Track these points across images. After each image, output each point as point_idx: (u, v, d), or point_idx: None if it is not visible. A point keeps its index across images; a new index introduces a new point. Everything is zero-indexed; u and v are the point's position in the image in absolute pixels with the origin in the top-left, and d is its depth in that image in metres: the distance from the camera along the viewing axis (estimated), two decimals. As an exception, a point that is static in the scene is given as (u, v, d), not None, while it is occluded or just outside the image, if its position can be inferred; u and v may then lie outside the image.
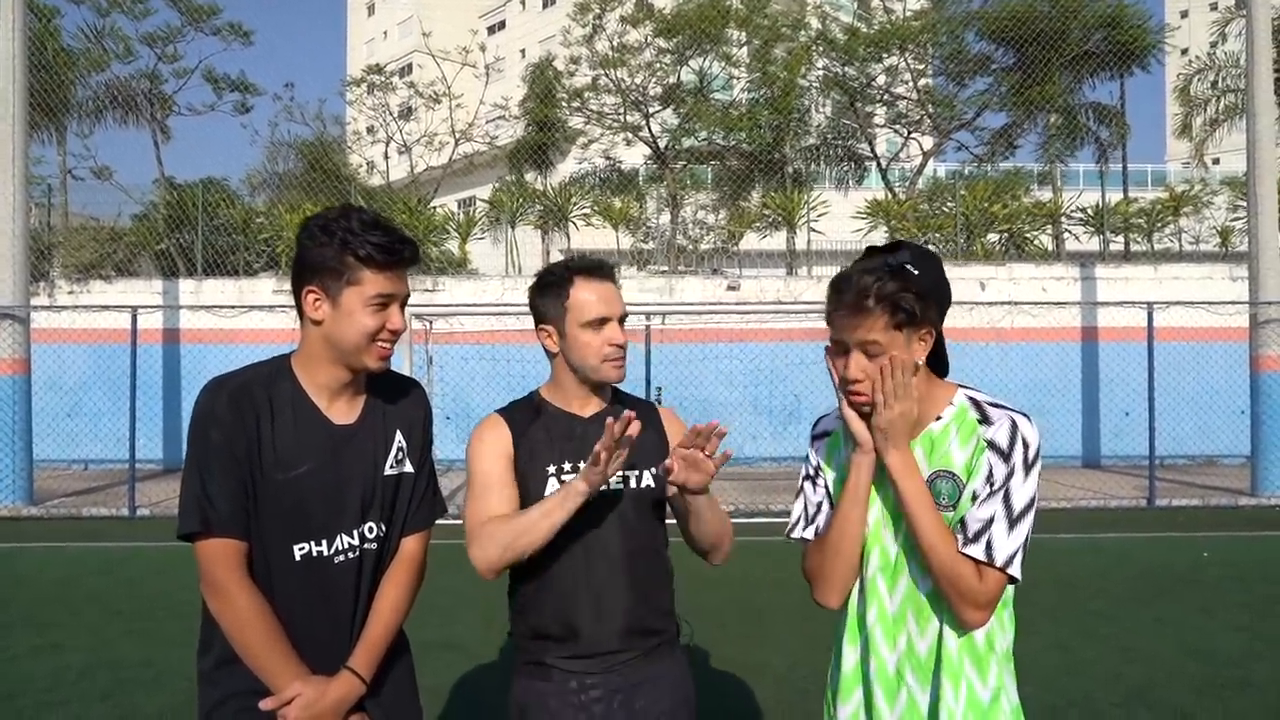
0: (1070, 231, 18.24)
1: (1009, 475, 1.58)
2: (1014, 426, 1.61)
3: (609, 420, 1.71)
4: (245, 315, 13.90)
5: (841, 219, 17.36)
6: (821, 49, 19.80)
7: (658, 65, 19.94)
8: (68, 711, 4.20)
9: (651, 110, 20.13)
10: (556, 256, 16.74)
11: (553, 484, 1.92)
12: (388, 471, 1.83)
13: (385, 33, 53.40)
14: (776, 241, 18.24)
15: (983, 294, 14.49)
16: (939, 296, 1.64)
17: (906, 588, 1.65)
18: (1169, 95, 25.19)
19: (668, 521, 2.01)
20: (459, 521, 1.96)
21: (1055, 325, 14.19)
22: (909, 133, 21.23)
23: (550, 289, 1.98)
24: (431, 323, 12.30)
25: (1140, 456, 12.23)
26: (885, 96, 20.65)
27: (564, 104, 20.75)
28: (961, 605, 1.57)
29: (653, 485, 1.98)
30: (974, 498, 1.60)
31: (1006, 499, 1.58)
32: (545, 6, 44.64)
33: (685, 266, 17.47)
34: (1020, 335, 14.39)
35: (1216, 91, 20.60)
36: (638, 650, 1.93)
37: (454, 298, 14.70)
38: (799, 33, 20.01)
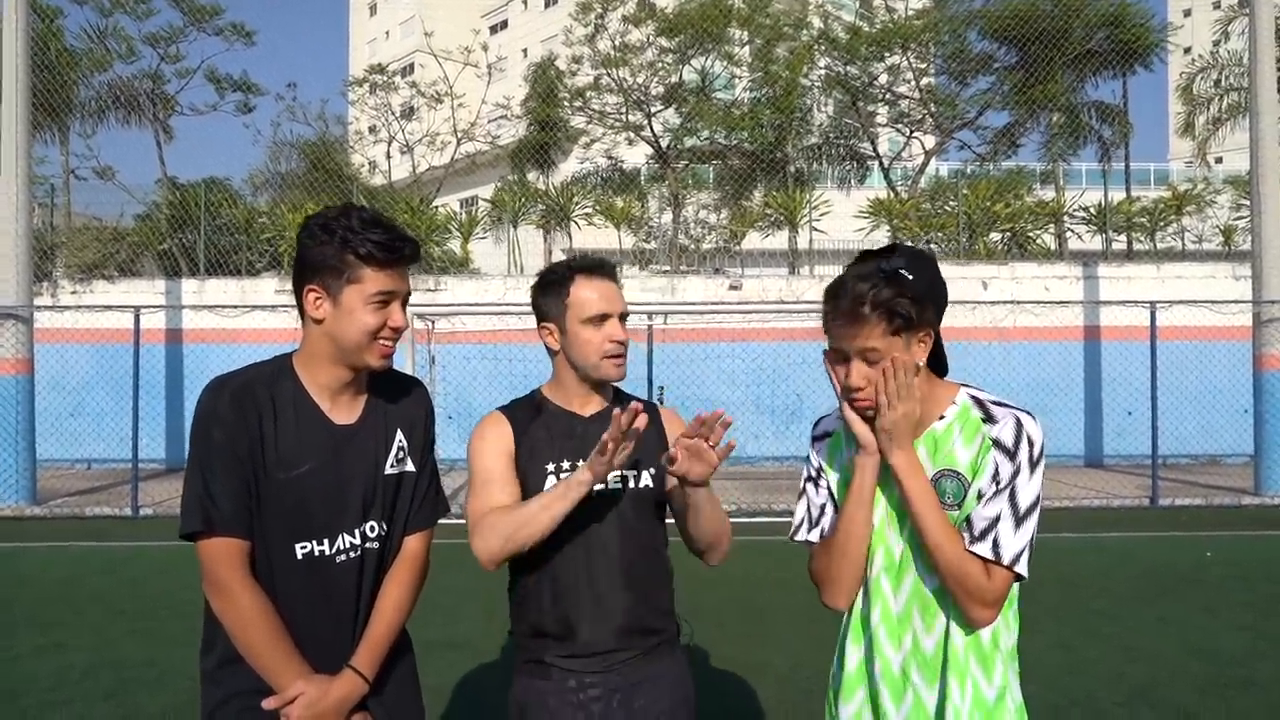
0: (1073, 230, 18.20)
1: (1015, 473, 1.58)
2: (1019, 424, 1.61)
3: (616, 411, 1.71)
4: (248, 315, 13.91)
5: (844, 218, 17.36)
6: (823, 48, 19.80)
7: (660, 65, 19.94)
8: (71, 711, 4.20)
9: (653, 110, 20.13)
10: (558, 256, 16.75)
11: (552, 482, 1.92)
12: (388, 471, 1.83)
13: (387, 32, 53.37)
14: (778, 241, 18.24)
15: (985, 293, 14.47)
16: (935, 298, 1.64)
17: (912, 586, 1.65)
18: (1172, 94, 25.22)
19: (667, 521, 2.01)
20: (461, 520, 1.96)
21: (1058, 324, 14.16)
22: (911, 132, 21.20)
23: (552, 287, 1.99)
24: (434, 322, 12.33)
25: (1143, 456, 12.23)
26: (887, 95, 20.64)
27: (566, 103, 20.75)
28: (969, 603, 1.57)
29: (652, 485, 1.98)
30: (979, 496, 1.60)
31: (1013, 497, 1.57)
32: (547, 6, 44.61)
33: (687, 266, 17.47)
34: (1023, 334, 14.36)
35: (1219, 90, 20.58)
36: (637, 650, 1.93)
37: (456, 297, 14.71)
38: (801, 32, 20.00)
